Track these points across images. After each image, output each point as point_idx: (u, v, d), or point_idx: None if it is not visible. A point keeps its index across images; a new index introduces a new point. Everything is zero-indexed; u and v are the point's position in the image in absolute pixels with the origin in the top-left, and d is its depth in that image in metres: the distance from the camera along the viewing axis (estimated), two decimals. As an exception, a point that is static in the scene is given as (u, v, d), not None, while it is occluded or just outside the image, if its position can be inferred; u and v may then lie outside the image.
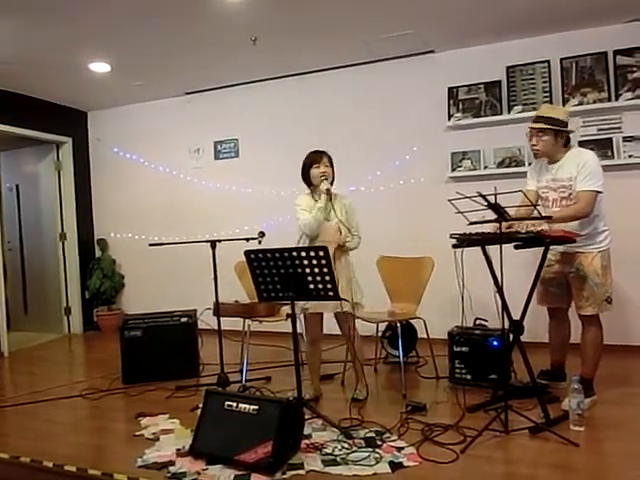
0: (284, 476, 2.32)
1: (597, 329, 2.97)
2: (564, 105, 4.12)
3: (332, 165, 3.27)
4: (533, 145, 3.00)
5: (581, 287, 2.93)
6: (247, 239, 3.58)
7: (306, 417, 2.71)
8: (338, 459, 2.44)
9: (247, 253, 2.72)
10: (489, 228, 2.85)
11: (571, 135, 3.05)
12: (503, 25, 4.09)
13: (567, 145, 3.01)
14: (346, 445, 2.58)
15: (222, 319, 3.59)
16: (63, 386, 3.86)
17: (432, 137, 4.67)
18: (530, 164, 4.20)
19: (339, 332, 3.30)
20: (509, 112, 4.38)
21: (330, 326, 3.32)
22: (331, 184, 3.24)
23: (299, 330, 2.92)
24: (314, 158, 3.24)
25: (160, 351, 3.90)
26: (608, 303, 2.94)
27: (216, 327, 3.57)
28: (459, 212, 2.73)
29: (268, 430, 2.38)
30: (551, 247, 2.94)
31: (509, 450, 2.50)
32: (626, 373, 3.55)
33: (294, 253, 2.62)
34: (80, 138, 6.07)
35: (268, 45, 4.30)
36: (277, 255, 2.65)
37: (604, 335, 3.00)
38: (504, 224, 2.73)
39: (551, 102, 4.20)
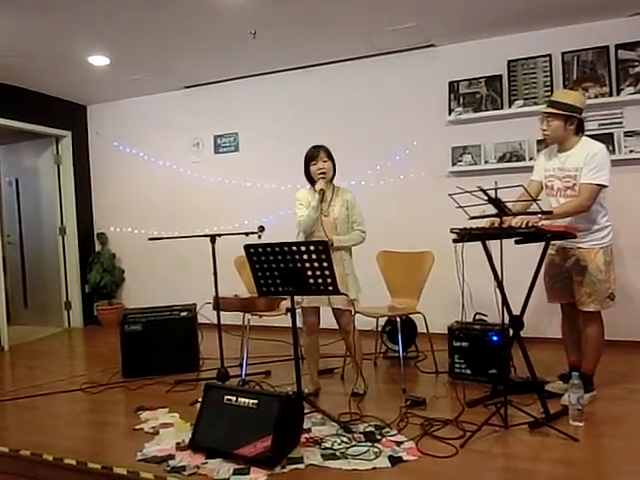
0: (283, 470, 2.32)
1: (598, 325, 2.95)
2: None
3: (331, 158, 3.22)
4: (543, 130, 2.94)
5: (583, 283, 2.89)
6: (247, 233, 3.57)
7: (305, 411, 2.71)
8: (337, 453, 2.44)
9: (247, 247, 2.72)
10: (483, 223, 2.83)
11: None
12: (504, 19, 4.06)
13: (580, 133, 2.91)
14: (345, 439, 2.59)
15: (222, 313, 3.59)
16: (63, 380, 3.86)
17: (433, 131, 4.65)
18: (532, 158, 4.22)
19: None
20: (510, 106, 4.36)
21: (329, 320, 3.31)
22: (332, 178, 3.24)
23: (299, 324, 2.92)
24: (311, 154, 3.21)
25: (160, 345, 3.91)
26: (611, 300, 2.91)
27: (216, 321, 3.58)
28: (459, 207, 2.71)
29: (267, 424, 2.38)
30: (552, 242, 2.93)
31: (508, 445, 2.50)
32: (628, 369, 3.53)
33: (294, 247, 2.61)
34: (79, 132, 6.06)
35: (268, 39, 4.27)
36: (277, 249, 2.64)
37: (607, 330, 2.97)
38: (497, 219, 2.69)
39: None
